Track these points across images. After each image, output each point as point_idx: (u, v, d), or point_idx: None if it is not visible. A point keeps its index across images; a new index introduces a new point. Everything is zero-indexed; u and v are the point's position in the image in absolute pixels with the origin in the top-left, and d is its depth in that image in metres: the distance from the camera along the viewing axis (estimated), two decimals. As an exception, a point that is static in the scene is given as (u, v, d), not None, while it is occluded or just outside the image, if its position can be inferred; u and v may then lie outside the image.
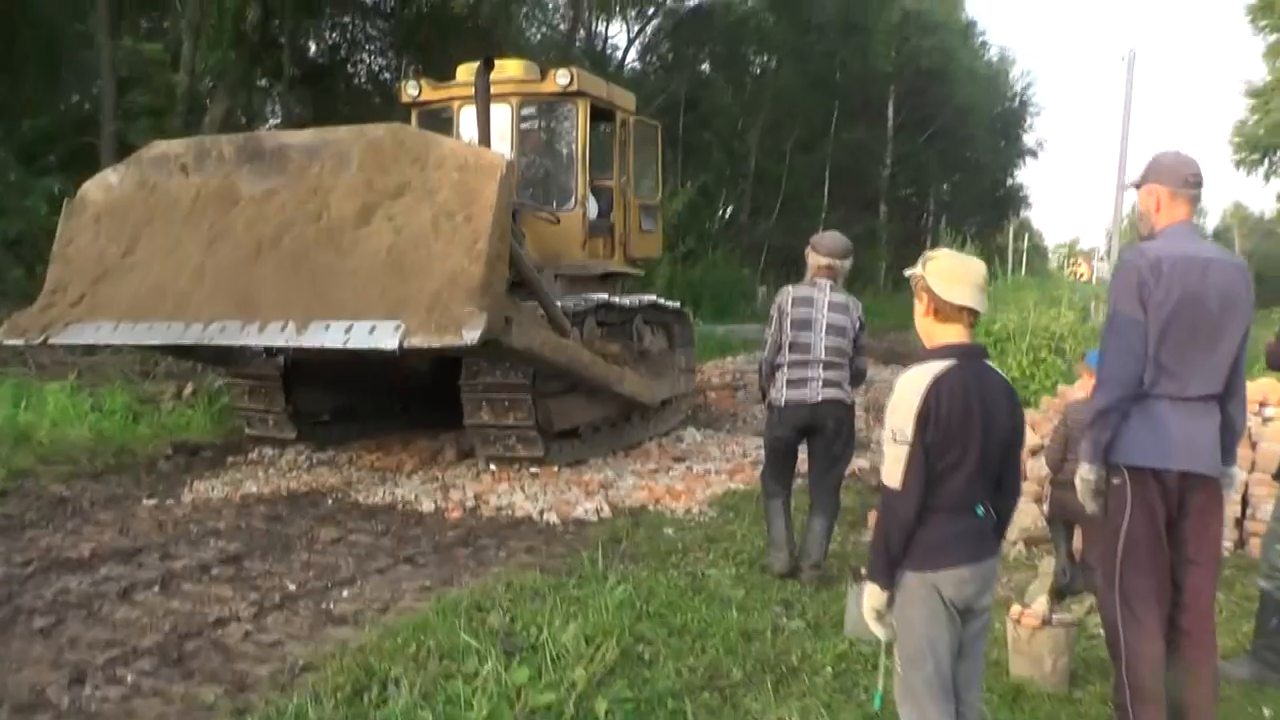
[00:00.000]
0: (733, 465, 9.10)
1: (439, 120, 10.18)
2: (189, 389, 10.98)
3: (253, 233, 6.94)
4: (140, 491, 7.69)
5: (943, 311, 2.98)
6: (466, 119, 9.79)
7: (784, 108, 32.45)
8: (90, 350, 12.73)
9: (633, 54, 31.47)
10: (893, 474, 2.91)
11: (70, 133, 17.17)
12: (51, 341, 7.48)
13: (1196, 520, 3.67)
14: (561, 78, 9.64)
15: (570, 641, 4.30)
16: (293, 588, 5.48)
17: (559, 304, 8.06)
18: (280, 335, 6.53)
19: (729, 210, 33.37)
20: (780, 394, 5.68)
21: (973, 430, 2.89)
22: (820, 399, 5.62)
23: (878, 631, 3.09)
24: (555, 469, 8.49)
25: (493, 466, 8.45)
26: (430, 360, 8.49)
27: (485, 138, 8.57)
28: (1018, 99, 49.30)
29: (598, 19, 29.44)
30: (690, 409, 11.67)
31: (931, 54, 36.39)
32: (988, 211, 47.12)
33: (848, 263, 5.85)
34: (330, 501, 7.60)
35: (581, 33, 29.18)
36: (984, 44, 46.52)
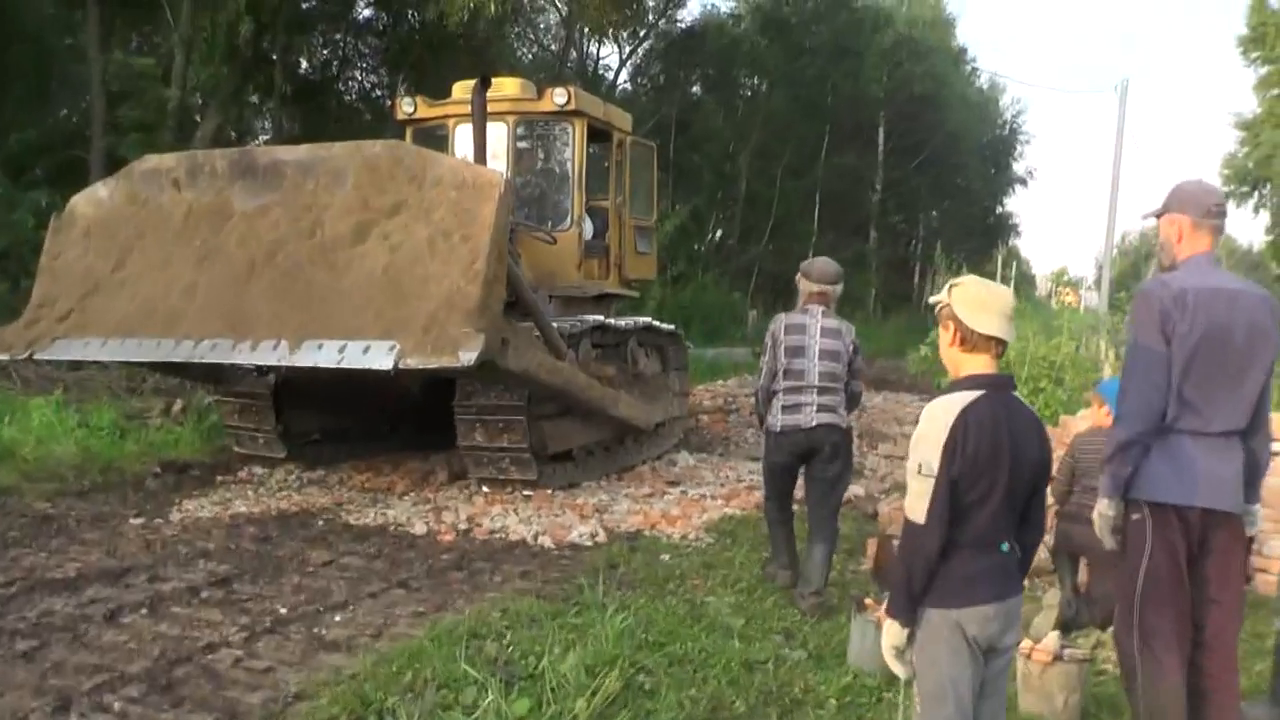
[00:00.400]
0: (728, 490, 9.01)
1: (434, 138, 10.06)
2: (178, 406, 10.84)
3: (245, 250, 6.84)
4: (127, 510, 7.55)
5: (969, 341, 2.90)
6: (462, 137, 9.74)
7: (775, 131, 32.51)
8: (77, 365, 12.56)
9: (624, 75, 31.54)
10: (917, 508, 2.82)
11: (59, 146, 17.05)
12: (37, 357, 7.37)
13: (1219, 559, 3.59)
14: (558, 97, 9.59)
15: (570, 671, 4.19)
16: (284, 611, 5.35)
17: (554, 325, 7.99)
18: (272, 354, 6.42)
19: (719, 233, 33.38)
20: (776, 419, 5.70)
21: (1001, 464, 2.81)
22: (815, 424, 5.64)
23: (897, 669, 2.99)
24: (549, 492, 8.40)
25: (485, 489, 8.36)
26: (422, 381, 8.42)
27: (481, 156, 8.55)
28: (1008, 127, 49.61)
29: (590, 40, 29.48)
30: (684, 432, 11.58)
31: (923, 80, 36.51)
32: (978, 239, 47.20)
33: (839, 288, 5.90)
34: (321, 522, 7.47)
35: (574, 54, 29.20)
36: (975, 71, 46.75)
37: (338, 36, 20.40)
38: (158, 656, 4.60)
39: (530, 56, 28.64)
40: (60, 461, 8.71)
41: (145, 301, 7.01)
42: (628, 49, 30.77)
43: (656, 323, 10.75)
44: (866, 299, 37.46)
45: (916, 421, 2.92)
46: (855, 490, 9.10)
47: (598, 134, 10.31)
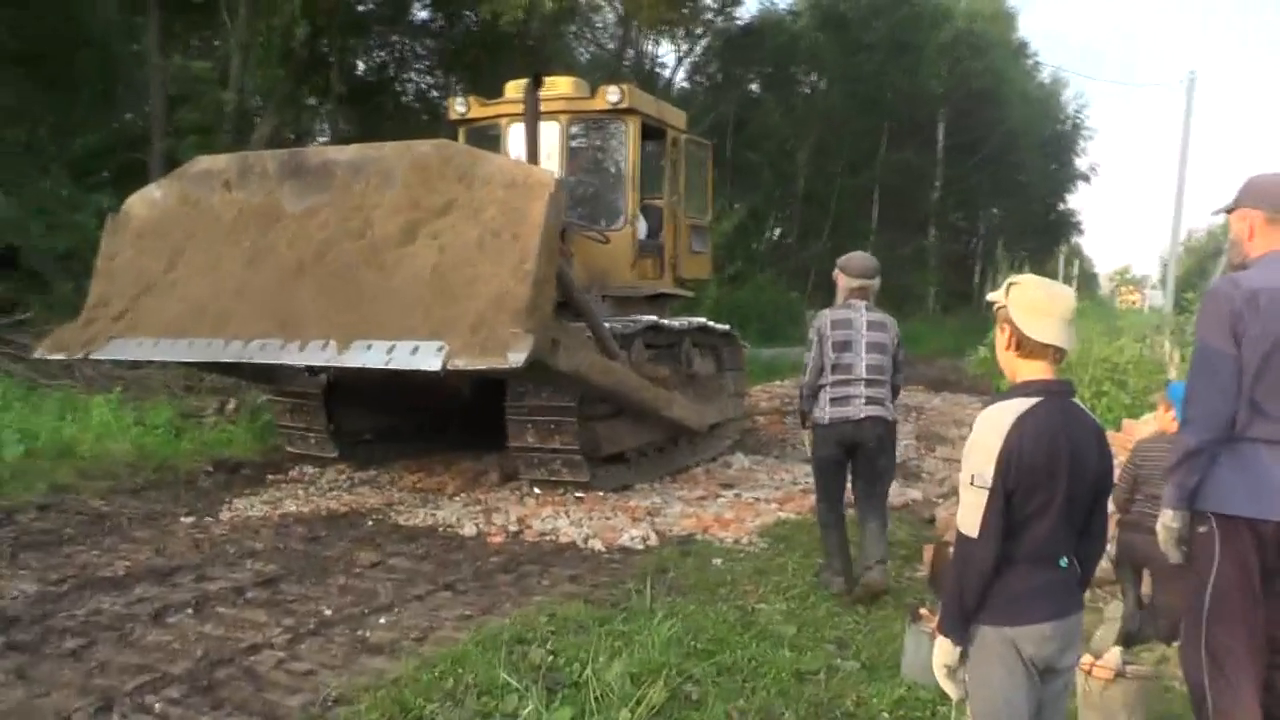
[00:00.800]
0: (782, 493, 8.86)
1: (486, 137, 10.06)
2: (232, 405, 10.95)
3: (294, 250, 6.81)
4: (179, 509, 7.61)
5: (1026, 347, 2.75)
6: (515, 136, 9.68)
7: (833, 128, 32.23)
8: (136, 364, 12.77)
9: (681, 74, 31.43)
10: (970, 521, 2.68)
11: (122, 149, 17.35)
12: (93, 357, 7.43)
13: (1294, 574, 3.40)
14: (612, 95, 9.52)
15: (615, 680, 4.10)
16: (329, 613, 5.33)
17: (607, 326, 7.95)
18: (321, 355, 6.37)
19: (777, 232, 33.14)
20: (824, 412, 5.76)
21: (1059, 474, 2.65)
22: (863, 416, 5.70)
23: (949, 689, 2.84)
24: (601, 494, 8.33)
25: (537, 490, 8.31)
26: (472, 381, 8.37)
27: (534, 155, 8.52)
28: (1070, 122, 48.60)
29: (646, 38, 29.40)
30: (740, 434, 11.44)
31: (983, 75, 35.96)
32: (1039, 236, 46.35)
33: (877, 281, 5.97)
34: (370, 523, 7.46)
35: (630, 52, 29.15)
36: (1036, 65, 45.93)
37: (393, 38, 20.50)
38: (200, 657, 4.59)
39: (587, 56, 28.61)
40: (116, 459, 8.82)
41: (196, 302, 7.02)
42: (685, 47, 30.66)
43: (711, 323, 10.65)
44: (926, 297, 37.01)
45: (973, 426, 2.78)
46: (912, 494, 8.93)
47: (652, 132, 10.21)
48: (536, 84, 8.68)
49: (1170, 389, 5.95)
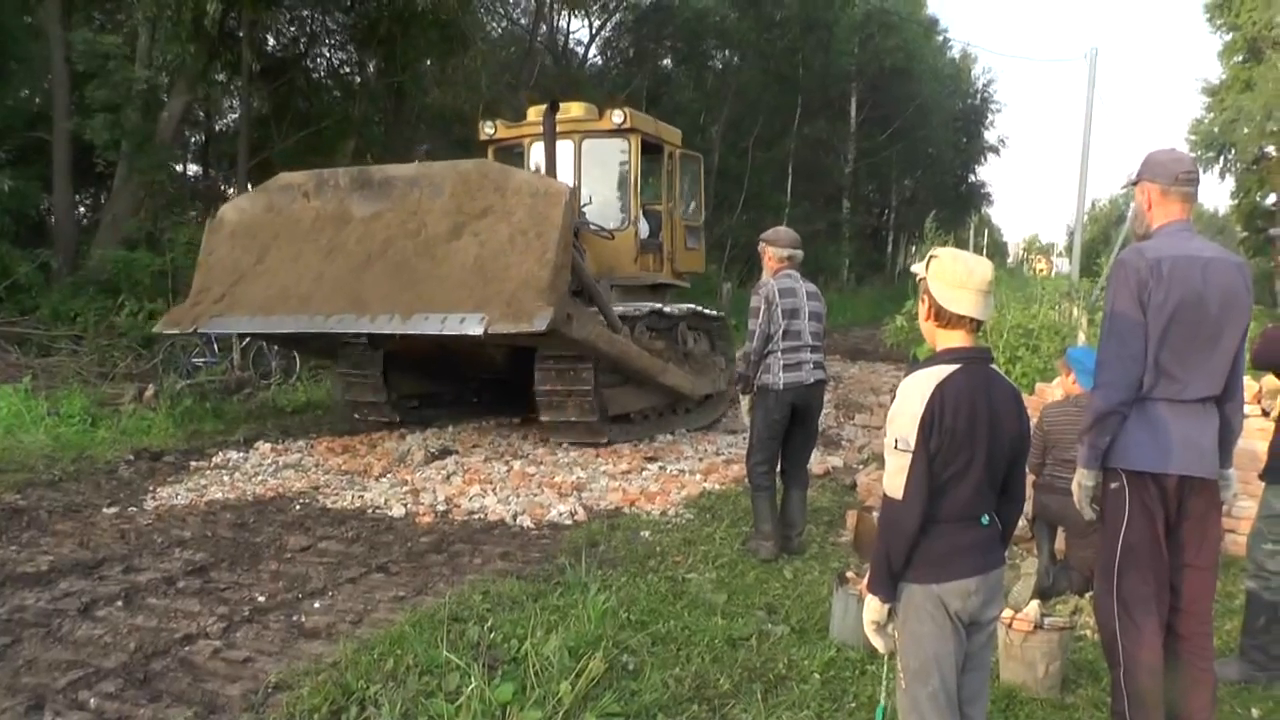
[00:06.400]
0: (706, 464, 9.01)
1: (512, 155, 11.96)
2: (149, 392, 10.74)
3: (363, 246, 8.46)
4: (100, 500, 7.47)
5: (944, 316, 2.87)
6: (536, 153, 11.50)
7: (746, 103, 32.36)
8: (45, 351, 12.47)
9: (594, 49, 31.29)
10: (895, 484, 2.79)
11: (20, 128, 16.73)
12: (200, 331, 9.09)
13: (1195, 524, 3.60)
14: (616, 117, 11.16)
15: (553, 654, 4.16)
16: (262, 599, 5.30)
17: (617, 310, 9.37)
18: (388, 324, 7.92)
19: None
20: (777, 377, 6.06)
21: (979, 437, 2.78)
22: (812, 380, 6.16)
23: (877, 644, 2.96)
24: (526, 471, 8.51)
25: (462, 471, 8.40)
26: (505, 353, 10.01)
27: (552, 168, 10.00)
28: (979, 96, 49.61)
29: (559, 13, 29.19)
30: (729, 404, 12.06)
31: (894, 53, 36.43)
32: (950, 208, 47.29)
33: (801, 253, 6.36)
34: (297, 507, 7.42)
35: (544, 27, 28.92)
36: (946, 41, 46.68)
37: (305, 12, 20.02)
38: (134, 650, 4.53)
39: (499, 31, 28.31)
40: (30, 451, 8.61)
41: (282, 288, 8.58)
42: (597, 22, 30.53)
43: (703, 309, 11.92)
44: (840, 269, 37.47)
45: (893, 393, 2.88)
46: (833, 461, 9.14)
47: (650, 147, 11.80)
48: (553, 109, 10.20)
49: (1069, 354, 6.20)
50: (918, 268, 2.96)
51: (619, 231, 11.32)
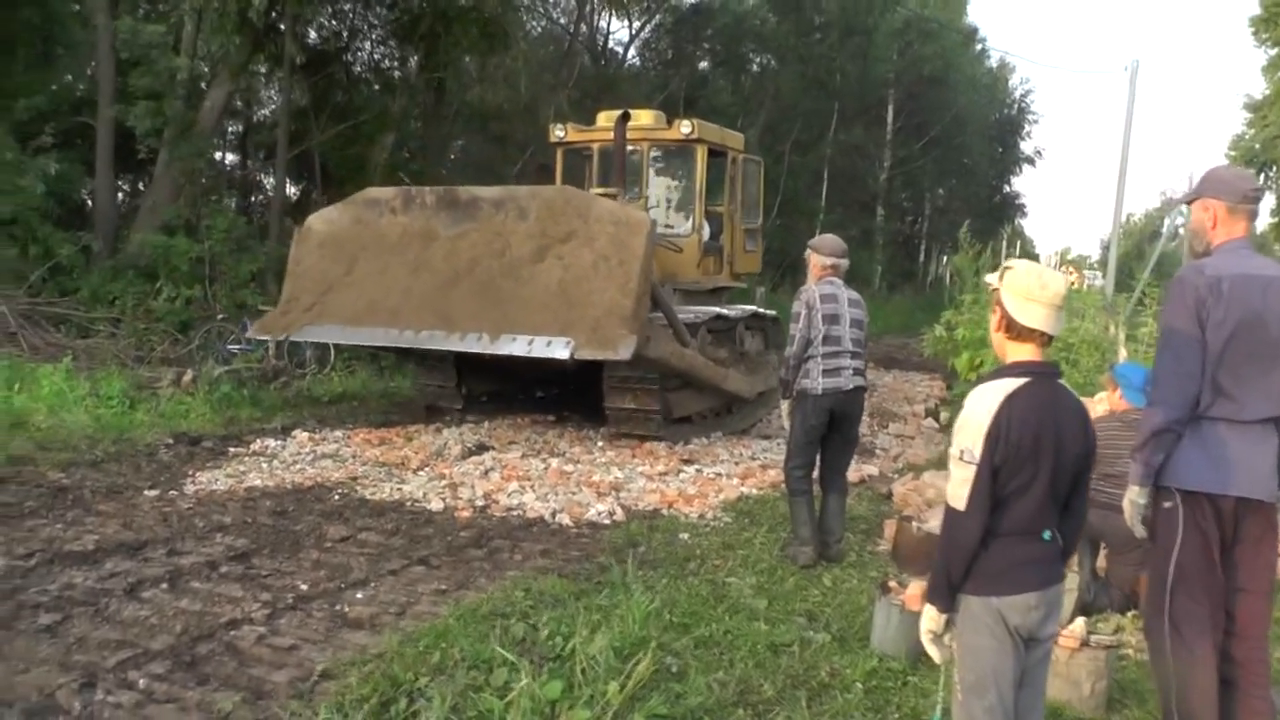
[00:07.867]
0: (743, 469, 9.00)
1: (580, 157, 12.30)
2: (188, 376, 10.83)
3: (449, 264, 8.71)
4: (141, 482, 7.54)
5: (1015, 329, 2.86)
6: (602, 156, 11.72)
7: (783, 108, 32.28)
8: (85, 333, 12.61)
9: (633, 50, 31.29)
10: (958, 495, 2.78)
11: (66, 112, 16.90)
12: (292, 339, 9.55)
13: (1250, 547, 3.57)
14: (684, 127, 11.37)
15: (599, 653, 4.17)
16: (304, 588, 5.34)
17: (680, 318, 9.58)
18: (476, 343, 8.28)
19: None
20: (816, 383, 6.08)
21: (1044, 452, 2.77)
22: (851, 386, 6.17)
23: (933, 654, 2.96)
24: (564, 470, 8.55)
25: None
26: (576, 361, 10.23)
27: (621, 178, 10.23)
28: (1016, 106, 49.26)
29: (600, 14, 29.22)
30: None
31: (932, 60, 36.24)
32: (984, 218, 46.98)
33: (846, 261, 6.39)
34: (336, 497, 7.46)
35: (584, 27, 28.96)
36: (984, 51, 46.39)
37: (347, 7, 20.14)
38: (180, 632, 4.59)
39: (539, 30, 28.38)
40: (72, 431, 8.70)
41: (371, 300, 8.87)
42: (637, 23, 30.54)
43: (761, 310, 12.21)
44: (873, 277, 37.31)
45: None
46: (868, 470, 9.11)
47: (715, 154, 11.92)
48: (625, 119, 10.29)
49: (1115, 369, 6.16)
50: (991, 278, 2.95)
51: (683, 239, 11.54)
